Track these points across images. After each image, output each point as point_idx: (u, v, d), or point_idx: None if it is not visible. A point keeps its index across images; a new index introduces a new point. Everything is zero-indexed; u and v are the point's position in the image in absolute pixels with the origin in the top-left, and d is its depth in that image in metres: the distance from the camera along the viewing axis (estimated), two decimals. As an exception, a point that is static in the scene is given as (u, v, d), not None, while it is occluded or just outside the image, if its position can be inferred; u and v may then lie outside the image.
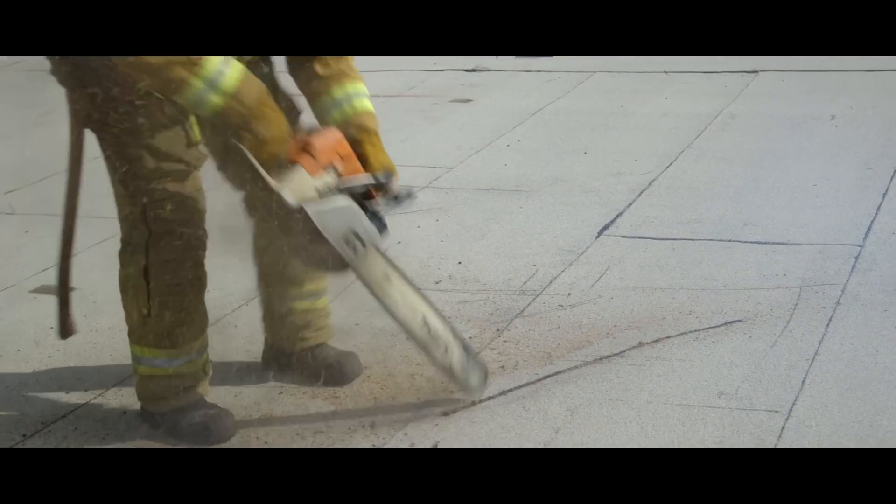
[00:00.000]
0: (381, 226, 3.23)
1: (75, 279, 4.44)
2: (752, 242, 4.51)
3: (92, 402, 3.63)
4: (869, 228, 4.55)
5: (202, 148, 3.32)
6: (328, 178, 3.17)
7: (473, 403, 3.47)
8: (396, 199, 3.27)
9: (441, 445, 3.29)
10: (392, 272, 3.32)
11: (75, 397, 3.66)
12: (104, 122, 3.26)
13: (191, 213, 3.29)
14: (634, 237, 4.63)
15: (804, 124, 5.82)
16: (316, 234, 3.11)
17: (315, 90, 3.34)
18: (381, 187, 3.23)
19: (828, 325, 3.82)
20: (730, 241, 4.53)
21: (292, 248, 3.29)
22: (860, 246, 4.40)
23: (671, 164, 5.41)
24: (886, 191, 4.91)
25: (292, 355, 3.68)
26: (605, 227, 4.73)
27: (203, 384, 3.44)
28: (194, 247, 3.32)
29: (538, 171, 5.44)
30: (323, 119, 3.33)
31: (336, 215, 3.14)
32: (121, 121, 3.23)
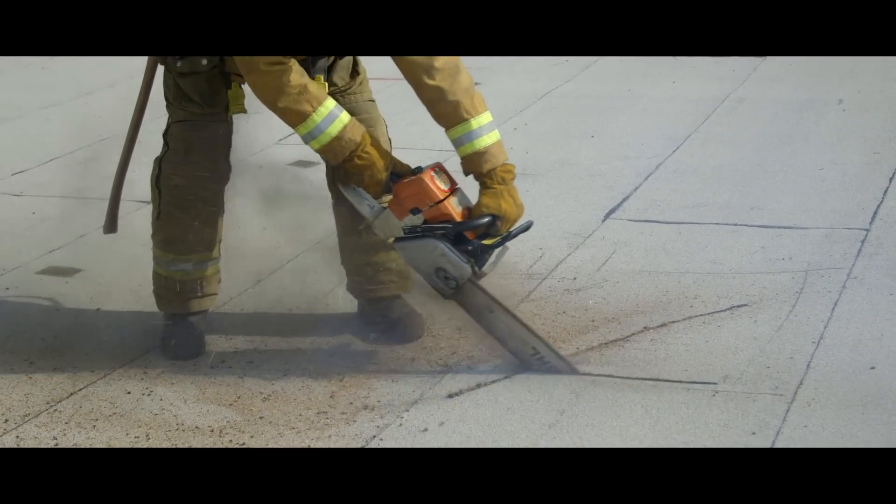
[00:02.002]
0: (481, 261, 3.46)
1: (82, 261, 4.47)
2: (758, 226, 4.50)
3: (98, 381, 3.64)
4: (875, 213, 4.55)
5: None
6: (414, 220, 3.46)
7: (478, 385, 3.48)
8: (501, 238, 3.51)
9: (445, 427, 3.30)
10: (494, 305, 3.51)
11: (81, 377, 3.67)
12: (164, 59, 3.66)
13: (198, 136, 3.64)
14: (641, 221, 4.63)
15: (811, 108, 5.81)
16: (411, 264, 3.55)
17: (436, 112, 3.52)
18: (476, 228, 3.46)
19: (833, 309, 3.82)
20: (736, 225, 4.53)
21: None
22: (866, 230, 4.40)
23: (678, 147, 5.41)
24: (893, 175, 4.90)
25: (365, 303, 3.85)
26: (612, 211, 4.73)
27: (197, 301, 3.78)
28: (202, 176, 3.65)
29: (545, 154, 5.44)
30: (457, 150, 3.53)
31: (419, 252, 3.47)
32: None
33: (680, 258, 4.27)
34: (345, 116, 3.42)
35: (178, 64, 3.60)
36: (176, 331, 3.78)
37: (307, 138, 3.42)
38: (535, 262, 4.31)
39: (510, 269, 4.25)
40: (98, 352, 3.81)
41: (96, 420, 3.44)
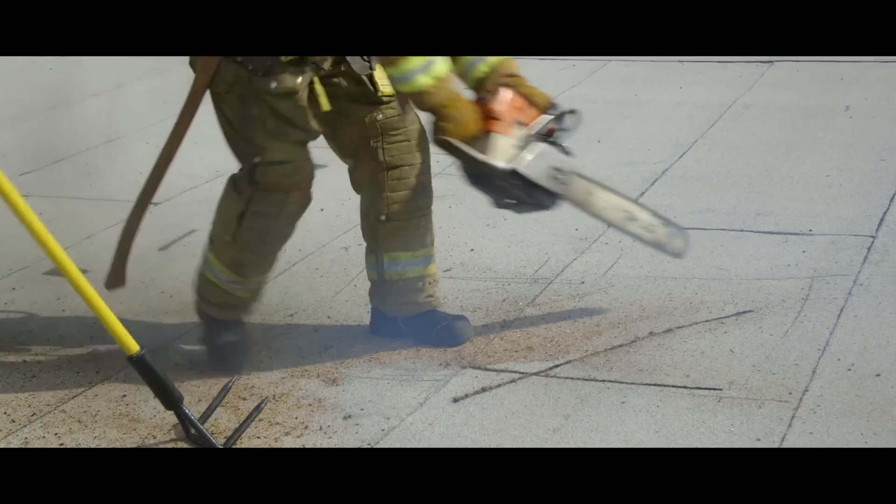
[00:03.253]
0: (568, 151, 3.58)
1: (88, 261, 4.47)
2: (764, 232, 4.50)
3: (104, 382, 3.65)
4: (882, 220, 4.54)
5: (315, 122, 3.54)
6: (519, 132, 3.49)
7: (483, 390, 3.49)
8: (568, 124, 3.62)
9: (450, 431, 3.30)
10: (591, 186, 3.67)
11: (87, 377, 3.68)
12: (230, 87, 3.47)
13: (300, 177, 3.55)
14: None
15: (818, 115, 5.80)
16: (529, 186, 3.50)
17: None
18: (557, 119, 3.58)
19: (839, 315, 3.82)
20: (742, 230, 4.53)
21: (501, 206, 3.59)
22: (873, 237, 4.39)
23: (684, 153, 5.41)
24: (900, 182, 4.90)
25: (400, 321, 3.81)
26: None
27: (245, 309, 3.76)
28: (294, 210, 3.60)
29: (551, 158, 5.43)
30: (468, 75, 3.55)
31: (539, 161, 3.50)
32: (250, 86, 3.44)
33: (686, 264, 4.26)
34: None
35: (273, 85, 3.42)
36: (224, 333, 3.73)
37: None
38: (540, 267, 4.31)
39: (515, 273, 4.26)
40: (104, 352, 3.81)
41: (102, 420, 3.44)
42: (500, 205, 3.58)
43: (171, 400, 3.20)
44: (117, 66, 6.72)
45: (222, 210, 3.63)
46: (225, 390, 3.45)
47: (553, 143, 3.55)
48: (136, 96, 6.56)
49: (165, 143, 3.63)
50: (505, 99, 3.50)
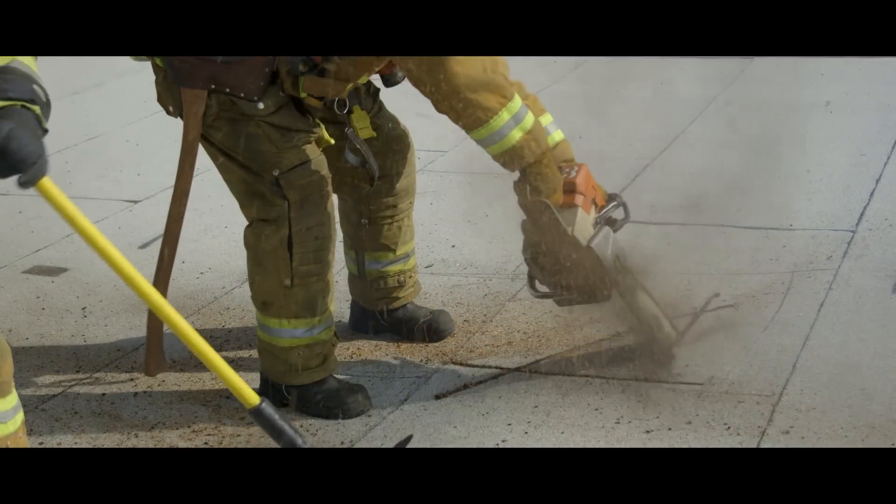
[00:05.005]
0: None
1: (68, 260, 4.46)
2: (744, 227, 4.51)
3: (84, 381, 3.64)
4: (862, 214, 4.56)
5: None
6: (594, 213, 3.43)
7: (465, 387, 3.49)
8: (626, 216, 3.57)
9: (431, 428, 3.30)
10: (635, 283, 3.52)
11: (67, 377, 3.67)
12: (218, 114, 3.28)
13: (324, 172, 3.35)
14: (628, 221, 4.63)
15: (799, 110, 5.81)
16: (596, 266, 3.35)
17: None
18: (617, 207, 3.53)
19: (819, 310, 3.83)
20: (723, 226, 4.53)
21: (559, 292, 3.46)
22: (853, 231, 4.41)
23: (666, 149, 5.41)
24: (880, 177, 4.92)
25: (383, 314, 3.77)
26: (599, 211, 4.72)
27: (334, 353, 3.45)
28: (331, 207, 3.37)
29: (532, 155, 5.43)
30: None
31: (608, 244, 3.39)
32: (237, 108, 3.27)
33: (667, 259, 4.26)
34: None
35: (261, 106, 3.25)
36: (343, 390, 3.41)
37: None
38: (521, 263, 4.29)
39: (497, 269, 4.26)
40: (84, 351, 3.80)
41: (83, 419, 3.43)
42: (551, 295, 3.47)
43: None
44: (97, 63, 6.70)
45: (264, 256, 3.34)
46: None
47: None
48: (116, 94, 6.53)
49: (171, 203, 3.41)
50: (584, 174, 3.41)
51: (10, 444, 2.72)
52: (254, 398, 2.91)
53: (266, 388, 3.43)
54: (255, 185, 3.32)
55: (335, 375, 3.45)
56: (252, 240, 3.37)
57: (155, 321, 3.43)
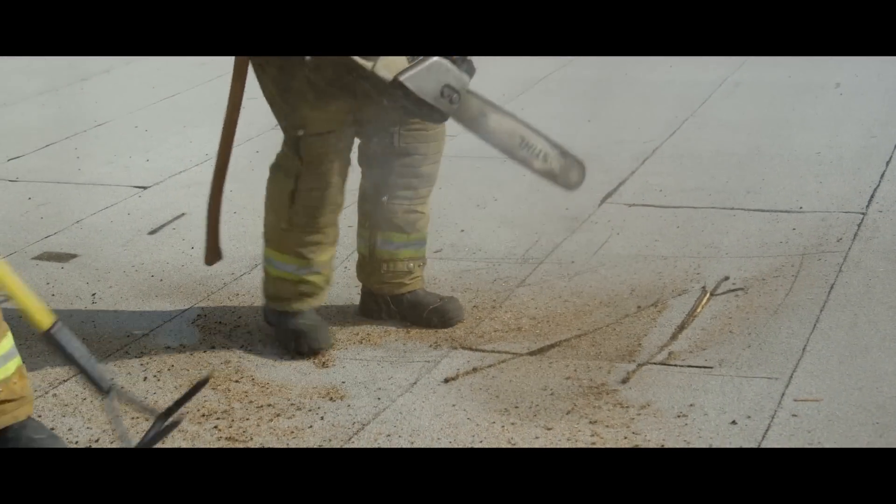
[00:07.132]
0: (470, 68, 3.45)
1: (78, 246, 4.47)
2: (754, 210, 4.50)
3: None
4: (872, 196, 4.55)
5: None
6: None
7: (474, 370, 3.49)
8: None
9: (440, 411, 3.30)
10: (486, 107, 3.53)
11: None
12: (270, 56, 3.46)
13: (341, 145, 3.55)
14: (637, 205, 4.63)
15: (809, 92, 5.80)
16: (415, 101, 3.35)
17: None
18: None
19: (829, 292, 3.82)
20: (732, 209, 4.53)
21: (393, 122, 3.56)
22: (863, 214, 4.40)
23: (675, 131, 5.40)
24: (890, 159, 4.90)
25: (393, 299, 3.81)
26: (609, 195, 4.73)
27: (320, 295, 3.71)
28: (340, 176, 3.58)
29: (542, 138, 5.42)
30: None
31: (427, 74, 3.35)
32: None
33: (676, 242, 4.27)
34: None
35: (308, 58, 3.38)
36: (298, 325, 3.68)
37: None
38: (531, 247, 4.31)
39: (506, 253, 4.26)
40: (94, 337, 3.81)
41: (93, 405, 3.44)
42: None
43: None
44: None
45: (273, 197, 3.62)
46: (199, 386, 3.19)
47: (452, 58, 3.40)
48: (125, 80, 6.53)
49: (224, 122, 3.60)
50: None
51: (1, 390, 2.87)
52: (45, 323, 2.99)
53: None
54: (284, 130, 3.57)
55: (314, 316, 3.69)
56: (269, 181, 3.65)
57: (214, 211, 3.68)
